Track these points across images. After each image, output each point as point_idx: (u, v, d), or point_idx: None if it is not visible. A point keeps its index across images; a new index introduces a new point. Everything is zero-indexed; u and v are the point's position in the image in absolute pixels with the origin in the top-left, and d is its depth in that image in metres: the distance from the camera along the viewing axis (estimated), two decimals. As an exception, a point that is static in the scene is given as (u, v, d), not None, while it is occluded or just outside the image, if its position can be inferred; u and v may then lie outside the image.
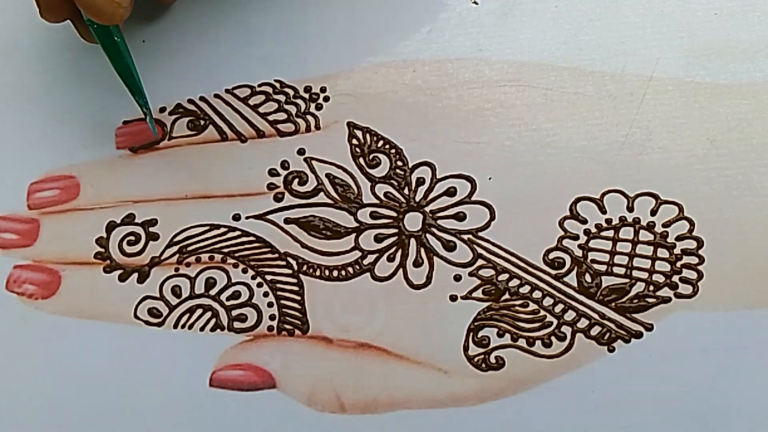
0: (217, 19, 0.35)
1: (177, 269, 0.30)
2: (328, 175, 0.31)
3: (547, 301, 0.29)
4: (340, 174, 0.31)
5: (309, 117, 0.32)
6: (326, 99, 0.33)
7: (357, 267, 0.30)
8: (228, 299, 0.30)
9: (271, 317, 0.29)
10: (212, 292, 0.30)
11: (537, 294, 0.29)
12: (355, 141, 0.32)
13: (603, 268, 0.29)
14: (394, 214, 0.30)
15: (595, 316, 0.28)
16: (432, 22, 0.34)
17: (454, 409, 0.28)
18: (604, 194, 0.30)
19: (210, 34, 0.34)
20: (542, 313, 0.29)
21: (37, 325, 0.30)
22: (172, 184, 0.32)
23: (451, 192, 0.31)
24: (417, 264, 0.30)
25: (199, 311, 0.30)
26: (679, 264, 0.29)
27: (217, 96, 0.33)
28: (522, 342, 0.28)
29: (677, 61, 0.31)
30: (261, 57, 0.34)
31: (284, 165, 0.32)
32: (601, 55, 0.32)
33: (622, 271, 0.29)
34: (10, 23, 0.36)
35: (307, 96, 0.33)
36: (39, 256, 0.31)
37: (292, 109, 0.33)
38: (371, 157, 0.31)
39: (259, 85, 0.33)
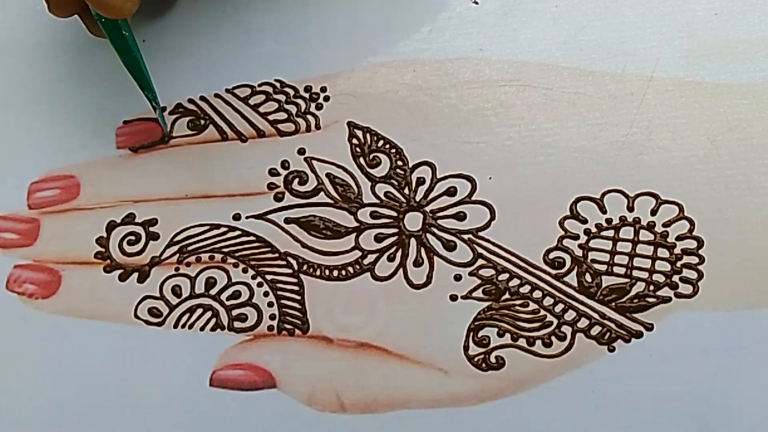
0: (217, 19, 0.35)
1: (177, 269, 0.30)
2: (328, 175, 0.31)
3: (548, 301, 0.29)
4: (341, 174, 0.31)
5: (309, 117, 0.32)
6: (326, 99, 0.33)
7: (357, 267, 0.30)
8: (228, 299, 0.30)
9: (272, 317, 0.29)
10: (212, 292, 0.30)
11: (537, 294, 0.29)
12: (355, 141, 0.32)
13: (603, 267, 0.29)
14: (394, 213, 0.30)
15: (596, 315, 0.28)
16: (432, 22, 0.34)
17: (454, 409, 0.28)
18: (604, 194, 0.30)
19: (211, 34, 0.34)
20: (542, 312, 0.29)
21: (37, 325, 0.30)
22: (173, 184, 0.32)
23: (451, 192, 0.31)
24: (417, 264, 0.30)
25: (200, 311, 0.30)
26: (679, 264, 0.29)
27: (217, 96, 0.33)
28: (522, 342, 0.28)
29: (677, 61, 0.31)
30: (261, 57, 0.34)
31: (284, 165, 0.32)
32: (601, 55, 0.32)
33: (622, 270, 0.29)
34: (10, 23, 0.36)
35: (307, 96, 0.33)
36: (39, 255, 0.31)
37: (293, 109, 0.33)
38: (371, 156, 0.31)
39: (260, 85, 0.33)
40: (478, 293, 0.29)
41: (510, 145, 0.31)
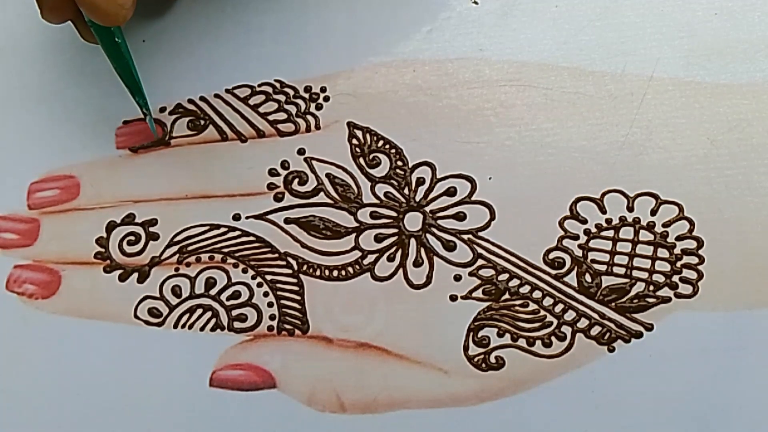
0: (217, 19, 0.35)
1: (177, 269, 0.30)
2: (328, 175, 0.31)
3: (547, 301, 0.29)
4: (340, 174, 0.31)
5: (309, 117, 0.32)
6: (326, 99, 0.33)
7: (357, 267, 0.30)
8: (228, 299, 0.30)
9: (271, 317, 0.29)
10: (212, 292, 0.30)
11: (537, 294, 0.29)
12: (355, 141, 0.32)
13: (603, 268, 0.29)
14: (394, 214, 0.30)
15: (595, 316, 0.28)
16: (432, 22, 0.34)
17: (454, 409, 0.28)
18: (604, 194, 0.30)
19: (210, 34, 0.34)
20: (542, 313, 0.29)
21: (37, 325, 0.30)
22: (172, 184, 0.32)
23: (451, 192, 0.31)
24: (417, 264, 0.30)
25: (199, 311, 0.30)
26: (679, 264, 0.29)
27: (217, 96, 0.33)
28: (522, 342, 0.28)
29: (677, 61, 0.31)
30: (261, 57, 0.34)
31: (284, 165, 0.32)
32: (601, 55, 0.32)
33: (622, 271, 0.29)
34: (10, 23, 0.36)
35: (307, 96, 0.33)
36: (39, 256, 0.31)
37: (292, 109, 0.33)
38: (371, 157, 0.31)
39: (259, 85, 0.33)
40: (478, 293, 0.29)
41: (510, 145, 0.31)
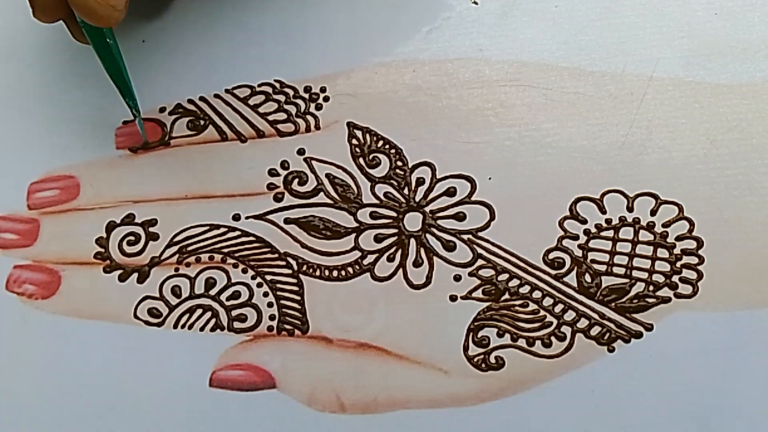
0: (216, 19, 0.35)
1: (177, 269, 0.30)
2: (328, 175, 0.31)
3: (547, 301, 0.29)
4: (340, 174, 0.31)
5: (309, 117, 0.32)
6: (326, 99, 0.33)
7: (357, 267, 0.30)
8: (228, 299, 0.30)
9: (271, 317, 0.29)
10: (212, 292, 0.30)
11: (537, 294, 0.29)
12: (355, 141, 0.32)
13: (603, 268, 0.29)
14: (394, 214, 0.30)
15: (595, 316, 0.28)
16: (432, 22, 0.34)
17: (454, 409, 0.28)
18: (604, 194, 0.30)
19: (210, 34, 0.34)
20: (542, 313, 0.29)
21: (37, 325, 0.30)
22: (172, 184, 0.32)
23: (451, 192, 0.31)
24: (417, 264, 0.30)
25: (199, 311, 0.30)
26: (679, 264, 0.29)
27: (217, 96, 0.33)
28: (522, 342, 0.28)
29: (677, 61, 0.31)
30: (261, 57, 0.34)
31: (284, 165, 0.32)
32: (601, 55, 0.32)
33: (622, 271, 0.29)
34: (9, 23, 0.36)
35: (307, 96, 0.33)
36: (39, 256, 0.31)
37: (292, 109, 0.33)
38: (371, 157, 0.31)
39: (259, 85, 0.33)
40: (478, 293, 0.29)
41: (510, 145, 0.31)
